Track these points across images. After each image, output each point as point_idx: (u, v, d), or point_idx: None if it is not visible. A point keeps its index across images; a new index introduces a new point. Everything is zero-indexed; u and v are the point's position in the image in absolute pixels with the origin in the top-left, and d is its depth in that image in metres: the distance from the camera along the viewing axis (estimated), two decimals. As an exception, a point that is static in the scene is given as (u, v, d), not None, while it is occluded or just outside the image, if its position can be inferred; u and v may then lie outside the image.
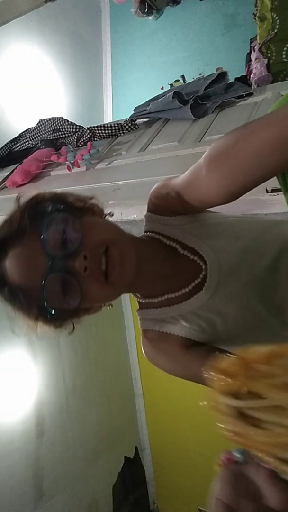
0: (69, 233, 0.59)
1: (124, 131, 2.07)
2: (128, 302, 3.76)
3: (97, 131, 2.12)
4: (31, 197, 0.64)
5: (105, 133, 2.10)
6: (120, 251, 0.61)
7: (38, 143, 2.34)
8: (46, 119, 2.35)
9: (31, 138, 2.40)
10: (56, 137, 2.27)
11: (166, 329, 0.71)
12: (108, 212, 0.72)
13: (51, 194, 0.67)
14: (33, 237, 0.59)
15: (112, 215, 0.73)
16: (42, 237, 0.58)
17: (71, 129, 2.21)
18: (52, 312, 0.60)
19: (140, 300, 0.74)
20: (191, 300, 0.69)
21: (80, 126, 2.20)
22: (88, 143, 1.99)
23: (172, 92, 1.90)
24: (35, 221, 0.60)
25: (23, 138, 2.46)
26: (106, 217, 0.71)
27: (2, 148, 2.52)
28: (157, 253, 0.70)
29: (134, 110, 2.22)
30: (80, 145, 2.13)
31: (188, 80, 3.23)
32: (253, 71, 2.21)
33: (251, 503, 0.38)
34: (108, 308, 0.68)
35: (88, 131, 2.12)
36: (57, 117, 2.29)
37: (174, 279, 0.70)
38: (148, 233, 0.74)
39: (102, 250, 0.60)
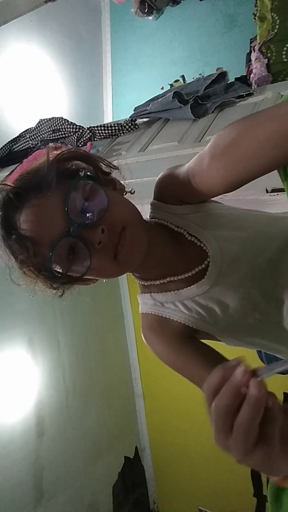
0: (94, 203, 0.59)
1: (124, 131, 2.07)
2: (128, 303, 3.77)
3: (97, 131, 2.12)
4: (62, 152, 0.63)
5: (105, 133, 2.10)
6: (134, 234, 0.61)
7: (38, 143, 2.33)
8: (46, 119, 2.35)
9: (31, 138, 2.40)
10: (56, 137, 2.27)
11: (166, 314, 0.71)
12: (130, 190, 0.72)
13: (84, 155, 0.66)
14: (57, 195, 0.58)
15: (133, 192, 0.72)
16: (67, 198, 0.57)
17: (71, 129, 2.21)
18: (55, 274, 0.60)
19: (143, 283, 0.74)
20: (192, 287, 0.69)
21: (80, 126, 2.20)
22: (88, 143, 1.99)
23: (172, 92, 1.90)
24: (63, 178, 0.59)
25: (23, 138, 2.46)
26: (127, 194, 0.71)
27: (2, 148, 2.51)
28: (163, 238, 0.71)
29: (134, 110, 2.22)
30: (80, 145, 2.13)
31: (188, 80, 3.24)
32: (253, 71, 2.21)
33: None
34: (104, 281, 0.68)
35: (88, 131, 2.12)
36: (57, 117, 2.29)
37: (178, 264, 0.70)
38: (154, 219, 0.74)
39: (120, 229, 0.59)
